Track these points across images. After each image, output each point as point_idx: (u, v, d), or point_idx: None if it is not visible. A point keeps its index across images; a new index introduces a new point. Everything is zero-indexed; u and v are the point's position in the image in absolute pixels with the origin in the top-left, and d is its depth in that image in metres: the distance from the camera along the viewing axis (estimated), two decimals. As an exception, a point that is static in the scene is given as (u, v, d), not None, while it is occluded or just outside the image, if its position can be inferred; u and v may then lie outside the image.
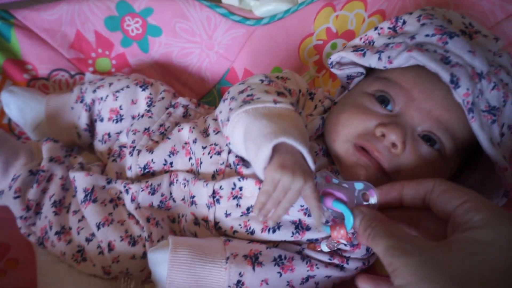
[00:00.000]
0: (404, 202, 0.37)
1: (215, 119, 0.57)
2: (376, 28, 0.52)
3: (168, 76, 0.76)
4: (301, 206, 0.48)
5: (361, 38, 0.53)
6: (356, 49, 0.50)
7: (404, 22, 0.50)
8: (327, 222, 0.41)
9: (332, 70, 0.56)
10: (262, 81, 0.51)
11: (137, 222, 0.53)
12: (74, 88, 0.67)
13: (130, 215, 0.54)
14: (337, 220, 0.39)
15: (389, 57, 0.46)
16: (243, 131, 0.45)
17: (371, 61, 0.47)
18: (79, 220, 0.54)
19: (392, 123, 0.44)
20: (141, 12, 0.72)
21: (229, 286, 0.45)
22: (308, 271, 0.48)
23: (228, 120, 0.47)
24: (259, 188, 0.48)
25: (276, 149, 0.41)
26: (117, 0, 0.71)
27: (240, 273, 0.46)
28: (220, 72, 0.76)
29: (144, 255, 0.52)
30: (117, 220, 0.53)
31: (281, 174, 0.40)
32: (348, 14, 0.69)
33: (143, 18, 0.72)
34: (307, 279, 0.48)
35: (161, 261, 0.46)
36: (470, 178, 0.51)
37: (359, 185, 0.37)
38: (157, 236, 0.53)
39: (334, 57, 0.54)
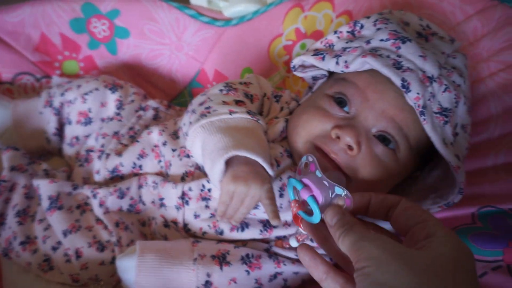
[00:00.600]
0: (369, 211, 0.38)
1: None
2: (335, 32, 0.53)
3: (138, 78, 0.76)
4: None
5: (321, 42, 0.54)
6: (316, 52, 0.52)
7: (362, 26, 0.51)
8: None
9: (295, 73, 0.57)
10: (221, 91, 0.52)
11: (106, 227, 0.53)
12: (42, 92, 0.65)
13: (98, 220, 0.54)
14: (305, 207, 0.40)
15: (345, 61, 0.47)
16: (201, 146, 0.47)
17: (330, 65, 0.49)
18: (45, 229, 0.53)
19: (347, 125, 0.45)
20: (108, 14, 0.70)
21: (197, 287, 0.46)
22: (275, 268, 0.49)
23: (187, 134, 0.50)
24: None
25: (230, 162, 0.44)
26: (82, 1, 0.69)
27: (208, 274, 0.47)
28: (191, 74, 0.76)
29: (113, 261, 0.51)
30: (85, 226, 0.53)
31: (235, 185, 0.43)
32: (316, 14, 0.70)
33: (110, 20, 0.71)
34: (275, 276, 0.49)
35: (128, 268, 0.46)
36: (431, 176, 0.53)
37: (339, 191, 0.37)
38: (127, 240, 0.53)
39: (296, 61, 0.55)
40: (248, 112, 0.48)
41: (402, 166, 0.48)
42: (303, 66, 0.56)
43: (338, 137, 0.45)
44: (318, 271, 0.35)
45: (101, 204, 0.53)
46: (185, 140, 0.52)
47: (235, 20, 0.72)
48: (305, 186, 0.40)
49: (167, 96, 0.77)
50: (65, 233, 0.51)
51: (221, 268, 0.47)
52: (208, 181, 0.51)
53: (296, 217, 0.41)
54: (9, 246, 0.52)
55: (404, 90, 0.44)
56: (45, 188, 0.53)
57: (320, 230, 0.38)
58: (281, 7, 0.70)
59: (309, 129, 0.48)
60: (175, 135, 0.57)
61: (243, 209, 0.44)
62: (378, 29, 0.49)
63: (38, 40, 0.71)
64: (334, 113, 0.48)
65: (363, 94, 0.47)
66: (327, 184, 0.38)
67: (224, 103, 0.49)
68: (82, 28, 0.71)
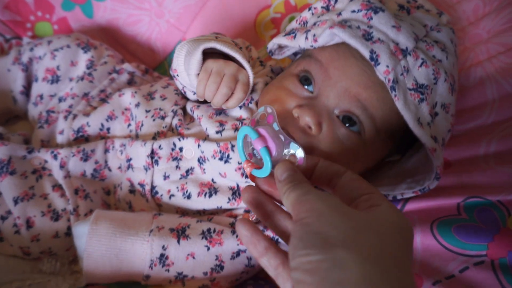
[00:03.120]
0: (313, 176, 0.36)
1: (165, 87, 0.57)
2: (310, 8, 0.50)
3: (116, 45, 0.71)
4: (239, 163, 0.47)
5: (296, 20, 0.51)
6: (288, 32, 0.49)
7: (336, 1, 0.47)
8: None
9: (273, 57, 0.55)
10: (211, 34, 0.54)
11: (63, 195, 0.50)
12: (11, 50, 0.61)
13: (55, 187, 0.50)
14: (252, 161, 0.38)
15: (314, 35, 0.44)
16: (184, 53, 0.48)
17: (300, 41, 0.46)
18: None
19: (307, 105, 0.43)
20: (83, -28, 0.66)
21: (151, 260, 0.44)
22: (238, 245, 0.46)
23: (176, 53, 0.51)
24: (198, 145, 0.48)
25: (209, 59, 0.46)
26: (55, -43, 0.64)
27: (163, 246, 0.44)
28: (172, 43, 0.71)
29: (69, 231, 0.49)
30: (39, 194, 0.49)
31: (213, 62, 0.46)
32: (308, -14, 0.66)
33: (85, -21, 0.66)
34: (238, 253, 0.47)
35: (82, 234, 0.44)
36: (411, 161, 0.49)
37: (294, 147, 0.35)
38: (85, 209, 0.50)
39: (270, 45, 0.53)
40: (234, 41, 0.51)
41: (369, 149, 0.45)
42: (280, 47, 0.54)
43: (298, 117, 0.42)
44: (258, 247, 0.33)
45: (62, 166, 0.50)
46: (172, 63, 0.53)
47: (221, -12, 0.67)
48: (260, 136, 0.36)
49: (146, 66, 0.72)
50: (16, 201, 0.48)
51: (178, 242, 0.45)
52: (179, 139, 0.49)
53: (252, 177, 0.37)
54: None
55: (373, 62, 0.40)
56: None
57: (265, 204, 0.35)
58: (271, -25, 0.66)
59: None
60: (149, 96, 0.55)
61: (222, 88, 0.45)
62: (351, 0, 0.45)
63: (9, -2, 0.66)
64: (297, 93, 0.45)
65: (326, 72, 0.44)
66: (283, 139, 0.36)
67: (211, 35, 0.52)
68: (55, -13, 0.67)
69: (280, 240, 0.44)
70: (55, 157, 0.50)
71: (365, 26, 0.42)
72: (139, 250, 0.44)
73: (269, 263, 0.32)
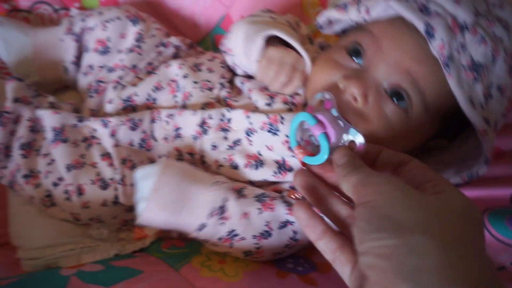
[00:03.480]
0: (376, 164, 0.35)
1: (211, 60, 0.58)
2: None
3: (160, 18, 0.70)
4: (286, 136, 0.48)
5: None
6: (339, 5, 0.48)
7: None
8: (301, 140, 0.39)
9: (322, 31, 0.54)
10: (263, 11, 0.56)
11: (111, 164, 0.51)
12: (63, 20, 0.62)
13: (103, 156, 0.52)
14: (308, 148, 0.38)
15: (366, 7, 0.43)
16: (243, 36, 0.49)
17: (351, 14, 0.45)
18: (48, 164, 0.51)
19: (354, 76, 0.42)
20: None
21: (213, 208, 0.46)
22: (287, 214, 0.47)
23: (231, 32, 0.52)
24: (247, 116, 0.49)
25: (270, 44, 0.48)
26: None
27: (224, 199, 0.46)
28: (215, 18, 0.71)
29: (116, 200, 0.50)
30: (89, 162, 0.51)
31: (275, 51, 0.47)
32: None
33: (133, -50, 0.66)
34: (285, 224, 0.48)
35: (149, 174, 0.46)
36: (461, 148, 0.48)
37: (354, 133, 0.35)
38: (131, 180, 0.51)
39: (320, 19, 0.51)
40: (288, 21, 0.53)
41: (415, 127, 0.44)
42: (330, 22, 0.52)
43: (344, 88, 0.42)
44: (315, 230, 0.33)
45: (112, 135, 0.51)
46: (226, 40, 0.55)
47: (269, -38, 0.65)
48: (319, 122, 0.36)
49: (188, 41, 0.73)
50: (68, 168, 0.49)
51: (237, 198, 0.46)
52: (228, 110, 0.50)
53: (303, 164, 0.37)
54: (14, 179, 0.51)
55: (428, 36, 0.38)
56: (48, 119, 0.51)
57: (317, 189, 0.35)
58: (321, -51, 0.63)
59: (318, 80, 0.47)
60: (196, 67, 0.56)
61: (282, 76, 0.47)
62: None
63: (59, -32, 0.67)
64: (345, 64, 0.45)
65: (378, 43, 0.43)
66: (342, 125, 0.35)
67: (266, 13, 0.54)
68: (104, -42, 0.66)
69: None
70: (105, 125, 0.51)
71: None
72: (201, 198, 0.45)
73: (326, 247, 0.32)
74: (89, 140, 0.52)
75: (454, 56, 0.39)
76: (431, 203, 0.27)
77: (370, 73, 0.43)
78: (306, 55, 0.47)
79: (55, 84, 0.65)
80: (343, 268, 0.31)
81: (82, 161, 0.50)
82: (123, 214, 0.52)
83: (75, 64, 0.61)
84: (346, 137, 0.35)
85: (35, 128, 0.52)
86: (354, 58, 0.44)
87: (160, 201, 0.44)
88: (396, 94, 0.42)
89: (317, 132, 0.35)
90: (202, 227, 0.46)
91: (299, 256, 0.53)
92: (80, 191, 0.49)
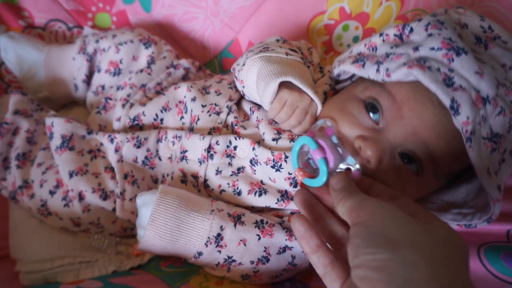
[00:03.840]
0: (368, 195, 0.36)
1: (219, 82, 0.58)
2: (381, 34, 0.48)
3: (169, 40, 0.73)
4: (289, 174, 0.48)
5: (365, 44, 0.49)
6: (356, 59, 0.47)
7: (411, 30, 0.45)
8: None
9: (338, 79, 0.53)
10: (278, 40, 0.55)
11: (113, 177, 0.52)
12: (76, 39, 0.64)
13: (107, 168, 0.53)
14: (307, 170, 0.40)
15: (387, 69, 0.42)
16: (256, 72, 0.49)
17: (370, 72, 0.44)
18: (43, 173, 0.52)
19: (372, 139, 0.42)
20: (146, -32, 0.68)
21: (208, 238, 0.46)
22: (286, 240, 0.48)
23: (244, 65, 0.52)
24: (253, 148, 0.50)
25: (283, 86, 0.47)
26: (121, -47, 0.67)
27: (221, 227, 0.46)
28: (223, 42, 0.73)
29: (114, 211, 0.51)
30: (92, 172, 0.52)
31: (289, 94, 0.47)
32: (365, -6, 0.65)
33: (147, -25, 0.68)
34: (284, 249, 0.48)
35: (148, 202, 0.46)
36: (459, 191, 0.49)
37: (351, 161, 0.37)
38: (131, 194, 0.52)
39: (337, 71, 0.51)
40: (302, 58, 0.52)
41: (422, 187, 0.45)
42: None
43: (359, 148, 0.42)
44: (310, 243, 0.35)
45: (116, 150, 0.53)
46: (238, 72, 0.54)
47: (277, -9, 0.67)
48: (319, 147, 0.38)
49: (196, 63, 0.74)
50: (71, 174, 0.51)
51: (235, 226, 0.47)
52: (235, 138, 0.51)
53: (302, 185, 0.39)
54: (16, 190, 0.52)
55: (453, 112, 0.38)
56: (60, 126, 0.53)
57: (315, 208, 0.37)
58: (328, -18, 0.66)
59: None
60: (204, 90, 0.57)
61: (292, 120, 0.47)
62: (430, 34, 0.43)
63: (75, -12, 0.70)
64: (361, 121, 0.44)
65: (399, 110, 0.42)
66: (341, 152, 0.38)
67: (281, 47, 0.53)
68: (119, -19, 0.69)
69: None
70: (111, 140, 0.53)
71: (445, 69, 0.40)
72: (198, 226, 0.45)
73: (318, 261, 0.34)
74: (95, 153, 0.54)
75: (476, 130, 0.39)
76: (421, 228, 0.29)
77: (387, 137, 0.42)
78: (318, 101, 0.47)
79: (64, 100, 0.67)
80: (332, 284, 0.33)
81: (85, 169, 0.52)
82: (121, 220, 0.53)
83: (85, 82, 0.63)
84: (343, 165, 0.37)
85: (32, 139, 0.54)
86: (370, 114, 0.44)
87: (158, 231, 0.45)
88: (410, 159, 0.42)
89: (317, 156, 0.37)
90: (199, 255, 0.47)
91: (296, 280, 0.54)
92: (81, 197, 0.50)
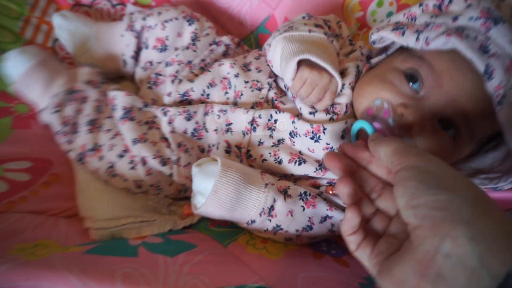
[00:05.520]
0: None
1: (257, 58, 0.62)
2: (421, 4, 0.50)
3: (208, 15, 0.76)
4: (327, 144, 0.52)
5: (404, 14, 0.51)
6: (396, 27, 0.49)
7: (451, 1, 0.47)
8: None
9: (374, 46, 0.55)
10: (303, 17, 0.59)
11: (168, 146, 0.57)
12: (123, 17, 0.68)
13: (162, 138, 0.58)
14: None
15: (427, 38, 0.44)
16: (280, 53, 0.53)
17: (409, 40, 0.46)
18: (111, 138, 0.58)
19: (414, 106, 0.45)
20: None
21: (262, 208, 0.50)
22: (327, 210, 0.52)
23: (270, 45, 0.56)
24: (293, 121, 0.54)
25: (304, 64, 0.50)
26: None
27: (274, 199, 0.51)
28: (260, 18, 0.75)
29: (170, 176, 0.57)
30: (150, 140, 0.58)
31: (309, 72, 0.50)
32: (401, -31, 0.66)
33: (188, -48, 0.71)
34: (325, 218, 0.53)
35: (211, 173, 0.49)
36: (487, 157, 0.52)
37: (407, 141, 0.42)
38: (185, 161, 0.57)
39: (375, 37, 0.53)
40: (325, 33, 0.54)
41: (458, 152, 0.48)
42: (381, 39, 0.55)
43: (402, 114, 0.45)
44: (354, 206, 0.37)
45: (169, 122, 0.57)
46: (267, 53, 0.58)
47: (314, -33, 0.69)
48: (377, 131, 0.41)
49: (233, 38, 0.78)
50: (134, 141, 0.56)
51: (284, 199, 0.51)
52: (276, 112, 0.55)
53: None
54: (84, 153, 0.58)
55: (487, 76, 0.41)
56: (121, 99, 0.58)
57: (351, 168, 0.41)
58: (365, -42, 0.67)
59: (375, 95, 0.49)
60: (245, 68, 0.61)
61: (312, 97, 0.51)
62: (469, 5, 0.45)
63: (117, -34, 0.72)
64: (402, 90, 0.47)
65: (438, 79, 0.45)
66: (397, 133, 0.41)
67: (305, 24, 0.56)
68: (160, -42, 0.72)
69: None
70: (165, 113, 0.58)
71: (482, 37, 0.42)
72: (254, 198, 0.50)
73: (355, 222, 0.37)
74: (150, 124, 0.59)
75: (507, 94, 0.41)
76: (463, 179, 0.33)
77: (427, 105, 0.46)
78: (338, 77, 0.50)
79: (113, 74, 0.71)
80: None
81: (145, 137, 0.57)
82: (177, 183, 0.59)
83: (134, 58, 0.67)
84: None
85: (99, 108, 0.60)
86: (410, 83, 0.47)
87: (218, 200, 0.49)
88: (448, 126, 0.46)
89: (377, 125, 0.41)
90: (252, 222, 0.52)
91: (332, 242, 0.60)
92: (144, 162, 0.56)
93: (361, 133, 0.45)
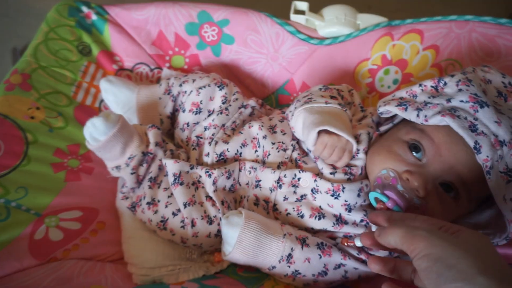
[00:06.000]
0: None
1: (281, 121, 0.71)
2: (420, 85, 0.59)
3: (233, 78, 0.86)
4: (345, 201, 0.60)
5: (406, 91, 0.60)
6: (399, 103, 0.58)
7: (445, 84, 0.56)
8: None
9: (381, 116, 0.64)
10: (320, 89, 0.68)
11: (213, 204, 0.65)
12: (161, 82, 0.77)
13: (207, 197, 0.65)
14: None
15: (425, 115, 0.53)
16: (302, 122, 0.61)
17: (411, 116, 0.55)
18: (168, 196, 0.65)
19: (417, 172, 0.53)
20: (219, 22, 0.80)
21: (281, 256, 0.58)
22: (341, 259, 0.59)
23: (293, 115, 0.65)
24: (315, 180, 0.62)
25: (324, 132, 0.58)
26: (199, 9, 0.80)
27: (292, 248, 0.58)
28: (280, 82, 0.85)
29: (218, 233, 0.64)
30: (198, 201, 0.65)
31: (329, 138, 0.59)
32: (404, 44, 0.76)
33: (219, 28, 0.81)
34: (339, 266, 0.60)
35: (236, 224, 0.58)
36: (483, 214, 0.59)
37: (417, 201, 0.50)
38: None
39: (382, 109, 0.61)
40: (339, 104, 0.63)
41: (459, 210, 0.56)
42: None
43: (407, 179, 0.52)
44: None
45: (214, 182, 0.65)
46: (290, 120, 0.67)
47: (329, 40, 0.79)
48: (390, 199, 0.50)
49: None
50: (185, 205, 0.63)
51: (302, 247, 0.58)
52: (299, 171, 0.63)
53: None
54: (138, 202, 0.66)
55: (476, 151, 0.49)
56: (170, 166, 0.65)
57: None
58: (373, 34, 0.77)
59: (383, 165, 0.56)
60: (272, 130, 0.69)
61: (333, 157, 0.59)
62: (460, 90, 0.53)
63: (156, 36, 0.83)
64: (406, 158, 0.55)
65: (438, 150, 0.53)
66: (407, 196, 0.50)
67: (322, 96, 0.65)
68: (194, 31, 0.82)
69: None
70: (209, 175, 0.65)
71: (471, 118, 0.50)
72: (274, 247, 0.57)
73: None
74: (196, 184, 0.67)
75: (494, 165, 0.48)
76: (464, 243, 0.36)
77: (429, 171, 0.53)
78: (353, 140, 0.59)
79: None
80: None
81: (194, 200, 0.65)
82: (218, 244, 0.66)
83: (169, 118, 0.77)
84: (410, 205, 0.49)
85: (162, 167, 0.68)
86: (414, 153, 0.55)
87: (243, 249, 0.57)
88: (448, 188, 0.53)
89: (391, 206, 0.50)
90: (272, 268, 0.59)
91: (347, 287, 0.66)
92: (193, 224, 0.63)
93: (377, 199, 0.53)
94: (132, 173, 0.65)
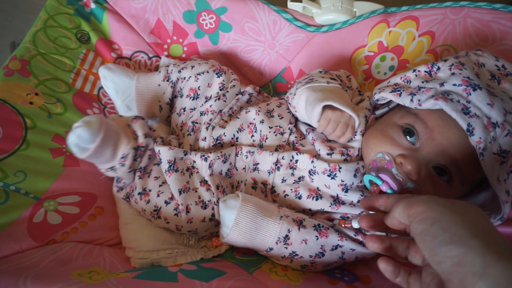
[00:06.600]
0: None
1: (279, 106, 0.71)
2: (414, 70, 0.59)
3: (231, 66, 0.86)
4: (342, 181, 0.60)
5: (401, 77, 0.61)
6: (394, 89, 0.59)
7: (438, 68, 0.57)
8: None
9: (377, 103, 0.65)
10: (320, 72, 0.69)
11: (208, 189, 0.65)
12: (161, 69, 0.77)
13: (201, 182, 0.66)
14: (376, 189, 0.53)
15: (419, 100, 0.54)
16: (305, 100, 0.63)
17: (405, 101, 0.56)
18: (160, 185, 0.66)
19: (411, 156, 0.53)
20: (217, 10, 0.81)
21: (278, 238, 0.59)
22: (338, 240, 0.60)
23: (295, 94, 0.66)
24: (312, 161, 0.63)
25: (327, 108, 0.60)
26: (197, -3, 0.80)
27: (289, 230, 0.59)
28: (278, 69, 0.86)
29: (212, 217, 0.64)
30: (192, 187, 0.65)
31: (332, 113, 0.60)
32: (400, 31, 0.77)
33: (217, 15, 0.82)
34: (336, 247, 0.60)
35: (233, 206, 0.59)
36: (479, 197, 0.60)
37: (410, 185, 0.50)
38: None
39: (377, 96, 0.62)
40: (340, 84, 0.65)
41: (452, 193, 0.56)
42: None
43: (401, 163, 0.53)
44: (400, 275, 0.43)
45: (210, 166, 0.65)
46: (291, 100, 0.68)
47: (325, 28, 0.80)
48: (384, 182, 0.51)
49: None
50: (180, 192, 0.64)
51: (299, 229, 0.59)
52: (297, 154, 0.64)
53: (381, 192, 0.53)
54: (131, 193, 0.67)
55: (469, 133, 0.49)
56: (165, 153, 0.66)
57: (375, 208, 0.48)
58: (369, 21, 0.77)
59: (378, 149, 0.57)
60: (269, 114, 0.70)
61: (337, 132, 0.61)
62: (453, 73, 0.54)
63: (154, 25, 0.84)
64: (400, 142, 0.56)
65: (431, 133, 0.54)
66: (401, 180, 0.50)
67: (323, 77, 0.66)
68: (192, 19, 0.83)
69: None
70: (205, 159, 0.65)
71: (464, 101, 0.50)
72: (271, 229, 0.58)
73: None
74: (191, 170, 0.67)
75: (487, 147, 0.49)
76: (462, 211, 0.37)
77: (422, 154, 0.54)
78: (355, 116, 0.60)
79: (148, 118, 0.81)
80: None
81: (188, 186, 0.65)
82: (213, 228, 0.67)
83: (168, 104, 0.77)
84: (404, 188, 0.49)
85: (151, 156, 0.68)
86: (407, 137, 0.56)
87: (240, 231, 0.58)
88: (441, 171, 0.54)
89: (385, 188, 0.50)
90: (270, 249, 0.60)
91: (345, 269, 0.67)
92: (187, 210, 0.64)
93: (372, 182, 0.54)
94: (129, 172, 0.66)
